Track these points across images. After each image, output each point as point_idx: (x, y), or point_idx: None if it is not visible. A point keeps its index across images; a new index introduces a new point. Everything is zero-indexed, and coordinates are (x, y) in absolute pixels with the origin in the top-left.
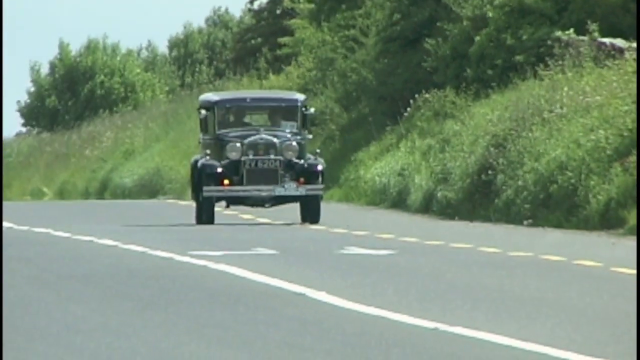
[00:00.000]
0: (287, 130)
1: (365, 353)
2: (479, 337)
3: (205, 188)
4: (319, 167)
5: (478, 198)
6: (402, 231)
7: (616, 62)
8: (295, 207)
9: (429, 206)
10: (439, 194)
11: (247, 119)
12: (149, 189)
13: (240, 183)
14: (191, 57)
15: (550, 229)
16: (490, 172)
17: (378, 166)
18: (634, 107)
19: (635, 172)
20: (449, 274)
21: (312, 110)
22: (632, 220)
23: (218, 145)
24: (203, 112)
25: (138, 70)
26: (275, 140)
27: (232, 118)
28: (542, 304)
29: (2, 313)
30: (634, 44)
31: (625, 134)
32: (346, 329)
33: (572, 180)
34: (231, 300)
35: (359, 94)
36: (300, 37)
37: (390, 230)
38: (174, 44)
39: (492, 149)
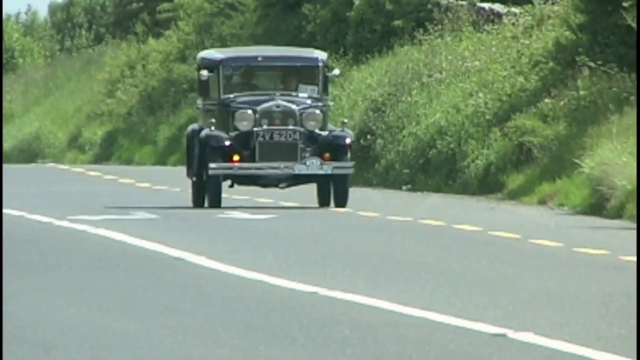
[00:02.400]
0: (306, 95)
1: (244, 317)
2: (358, 301)
3: (211, 165)
4: (347, 140)
5: (357, 163)
6: (282, 196)
7: (495, 27)
8: (311, 187)
9: None
10: None
11: (256, 82)
12: (28, 153)
13: (252, 159)
14: (72, 21)
15: (430, 194)
16: (369, 136)
17: None
18: (512, 71)
19: (514, 138)
20: (328, 238)
21: (336, 71)
22: (511, 184)
23: (223, 113)
24: (204, 72)
25: (17, 35)
26: (294, 107)
27: (239, 80)
28: (421, 268)
29: None
30: (513, 9)
31: (504, 98)
32: (226, 293)
33: (451, 145)
34: (111, 265)
35: None
36: (179, 1)
37: (271, 195)
38: (55, 9)
39: (371, 113)
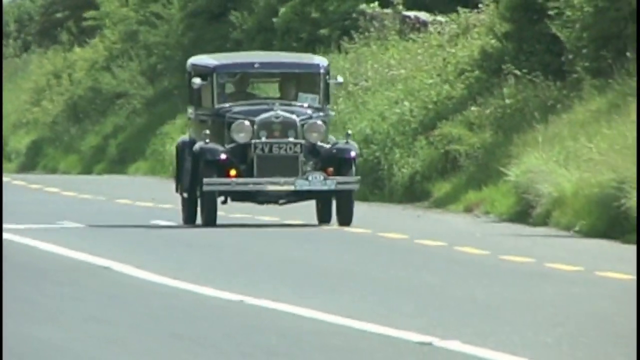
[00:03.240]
0: (306, 105)
1: (171, 326)
2: (284, 310)
3: (206, 180)
4: (353, 153)
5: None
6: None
7: (421, 35)
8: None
9: None
10: None
11: (253, 90)
12: None
13: (250, 173)
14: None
15: (356, 202)
16: None
17: None
18: (438, 80)
19: (440, 146)
20: (255, 247)
21: (339, 78)
22: (437, 192)
23: (218, 124)
24: (197, 80)
25: None
26: (294, 117)
27: (235, 88)
28: (347, 276)
29: None
30: (439, 17)
31: (430, 106)
32: (152, 302)
33: (377, 154)
34: (36, 274)
35: (164, 67)
36: (105, 10)
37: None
38: None
39: None
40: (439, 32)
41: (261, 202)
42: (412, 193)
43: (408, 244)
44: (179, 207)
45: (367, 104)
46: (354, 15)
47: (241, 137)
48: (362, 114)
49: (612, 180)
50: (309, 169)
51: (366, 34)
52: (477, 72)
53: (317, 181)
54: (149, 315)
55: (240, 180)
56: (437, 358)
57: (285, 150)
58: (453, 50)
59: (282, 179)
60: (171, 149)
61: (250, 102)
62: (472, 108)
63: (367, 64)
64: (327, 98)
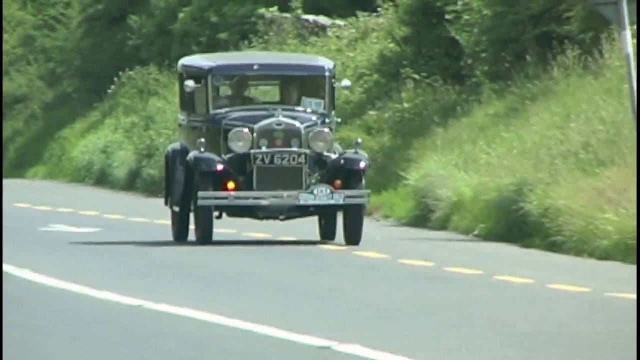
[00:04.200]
0: (310, 110)
1: (69, 330)
2: (184, 314)
3: (201, 193)
4: (362, 164)
5: None
6: (107, 208)
7: (320, 39)
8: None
9: (133, 183)
10: (143, 171)
11: (251, 94)
12: None
13: (249, 186)
14: None
15: None
16: None
17: (82, 143)
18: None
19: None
20: (153, 251)
21: (346, 82)
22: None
23: (213, 132)
24: (189, 83)
25: None
26: (298, 124)
27: (232, 92)
28: (247, 280)
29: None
30: (337, 21)
31: None
32: (50, 306)
33: None
34: None
35: (63, 71)
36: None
37: (95, 207)
38: None
39: None
40: (337, 36)
41: (261, 218)
42: None
43: (308, 248)
44: (169, 221)
45: None
46: (253, 19)
47: (239, 146)
48: None
49: (510, 184)
50: (314, 181)
51: (265, 37)
52: (375, 76)
53: (323, 195)
54: (47, 319)
55: (239, 193)
56: None
57: (288, 160)
58: (352, 55)
59: (285, 193)
60: (70, 153)
61: (248, 107)
62: (371, 112)
63: None
64: (332, 103)
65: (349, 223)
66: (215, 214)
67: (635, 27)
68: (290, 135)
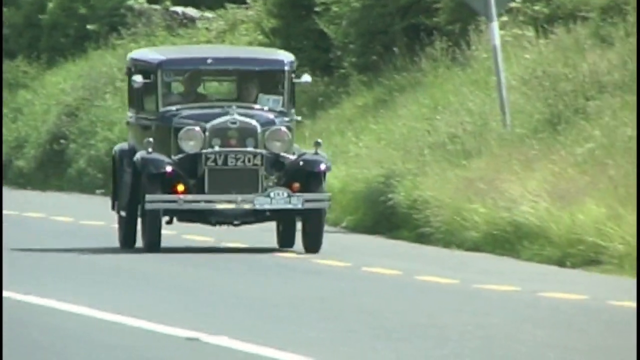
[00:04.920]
0: (267, 108)
1: None
2: (48, 305)
3: (148, 197)
4: (322, 166)
5: (51, 167)
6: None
7: (189, 31)
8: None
9: (3, 175)
10: (12, 163)
11: (205, 90)
12: None
13: (200, 189)
14: None
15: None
16: (62, 141)
17: None
18: None
19: None
20: (22, 243)
21: (306, 77)
22: None
23: (163, 130)
24: (138, 78)
25: None
26: (254, 123)
27: (183, 88)
28: (114, 271)
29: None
30: (207, 13)
31: None
32: None
33: None
34: None
35: None
36: None
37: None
38: None
39: (64, 117)
40: (207, 28)
41: (213, 223)
42: None
43: (175, 241)
44: (116, 225)
45: None
46: (122, 10)
47: (190, 146)
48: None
49: (378, 176)
50: (270, 184)
51: (134, 30)
52: None
53: (281, 198)
54: None
55: (189, 197)
56: (205, 353)
57: (243, 161)
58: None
59: (239, 196)
60: None
61: (201, 104)
62: None
63: None
64: (292, 100)
65: (308, 229)
66: (166, 219)
67: (503, 18)
68: (246, 134)
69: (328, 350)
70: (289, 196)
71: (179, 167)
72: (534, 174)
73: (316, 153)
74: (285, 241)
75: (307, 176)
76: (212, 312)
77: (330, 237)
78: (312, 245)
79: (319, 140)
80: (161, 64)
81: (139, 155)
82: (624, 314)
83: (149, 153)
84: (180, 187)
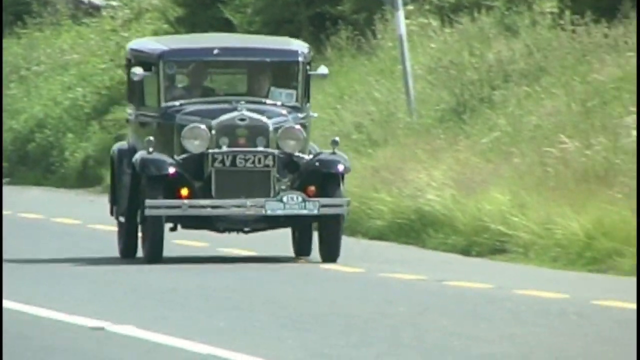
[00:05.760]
0: (280, 103)
1: None
2: None
3: (149, 202)
4: (341, 167)
5: None
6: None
7: (94, 20)
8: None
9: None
10: None
11: (211, 84)
12: None
13: (207, 193)
14: None
15: (29, 187)
16: None
17: None
18: (111, 65)
19: (113, 131)
20: None
21: (323, 69)
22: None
23: (165, 128)
24: (138, 70)
25: None
26: (265, 120)
27: (188, 81)
28: (19, 262)
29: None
30: (112, 2)
31: (104, 92)
32: None
33: (50, 139)
34: None
35: None
36: None
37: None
38: None
39: None
40: (112, 17)
41: (221, 230)
42: (85, 178)
43: (81, 229)
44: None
45: (41, 88)
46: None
47: (195, 146)
48: (34, 99)
49: None
50: (284, 187)
51: (39, 19)
52: None
53: (295, 203)
54: None
55: (194, 202)
56: (111, 343)
57: (253, 162)
58: (126, 35)
59: (249, 201)
60: None
61: (207, 99)
62: None
63: (40, 49)
64: (307, 94)
65: (325, 236)
66: (170, 225)
67: (409, 7)
68: (256, 132)
69: (235, 340)
70: (303, 201)
71: (183, 169)
72: (439, 163)
73: (333, 153)
74: (301, 249)
75: (323, 178)
76: (117, 301)
77: None
78: (330, 254)
79: (337, 139)
80: (163, 55)
81: (138, 155)
82: (529, 303)
83: (149, 153)
84: (185, 191)
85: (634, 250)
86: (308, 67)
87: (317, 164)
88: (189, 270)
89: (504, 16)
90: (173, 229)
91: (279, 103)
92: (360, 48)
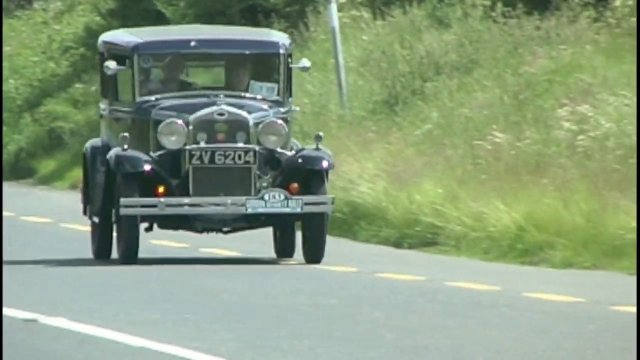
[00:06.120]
0: (260, 97)
1: None
2: None
3: (124, 200)
4: (324, 164)
5: None
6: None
7: (26, 12)
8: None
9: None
10: None
11: (188, 77)
12: None
13: (184, 191)
14: None
15: None
16: None
17: None
18: (43, 57)
19: (45, 123)
20: None
21: (305, 62)
22: (43, 169)
23: (141, 123)
24: (111, 64)
25: None
26: (245, 114)
27: (164, 75)
28: None
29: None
30: None
31: (35, 84)
32: None
33: None
34: None
35: None
36: None
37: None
38: None
39: None
40: (44, 9)
41: (200, 230)
42: (18, 170)
43: (15, 222)
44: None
45: None
46: None
47: (172, 142)
48: None
49: None
50: (265, 184)
51: None
52: (82, 50)
53: (277, 201)
54: None
55: (171, 200)
56: (43, 335)
57: (233, 159)
58: (58, 27)
59: (229, 199)
60: None
61: (184, 93)
62: (77, 85)
63: None
64: (289, 88)
65: (309, 236)
66: (145, 225)
67: (341, 0)
68: (236, 127)
69: (167, 331)
70: (286, 198)
71: (159, 166)
72: (371, 155)
73: (317, 148)
74: (284, 250)
75: (306, 175)
76: (49, 293)
77: None
78: (314, 254)
79: (320, 134)
80: (137, 48)
81: (112, 152)
82: (461, 295)
83: (124, 150)
84: (161, 189)
85: (565, 242)
86: (289, 60)
87: (300, 160)
88: (116, 262)
89: (436, 8)
90: (148, 229)
91: (259, 97)
92: (293, 41)
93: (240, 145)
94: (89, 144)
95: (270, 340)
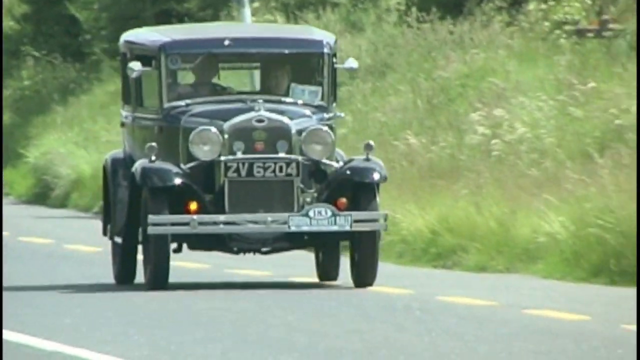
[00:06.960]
0: (301, 102)
1: None
2: None
3: (152, 218)
4: (376, 176)
5: None
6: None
7: None
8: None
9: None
10: None
11: (222, 80)
12: None
13: (219, 207)
14: None
15: None
16: None
17: None
18: None
19: None
20: None
21: (352, 62)
22: None
23: (169, 132)
24: (136, 65)
25: None
26: (286, 121)
27: (195, 77)
28: None
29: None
30: None
31: None
32: None
33: None
34: None
35: None
36: None
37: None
38: None
39: None
40: None
41: (236, 251)
42: None
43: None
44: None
45: None
46: None
47: (205, 152)
48: None
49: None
50: (309, 199)
51: None
52: None
53: (323, 218)
54: None
55: (205, 217)
56: None
57: (274, 171)
58: None
59: (269, 216)
60: None
61: (218, 98)
62: None
63: None
64: (334, 92)
65: (359, 256)
66: (174, 246)
67: (255, 4)
68: (276, 135)
69: (80, 336)
70: (333, 215)
71: (191, 179)
72: None
73: (367, 159)
74: (327, 272)
75: (356, 189)
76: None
77: (82, 223)
78: (365, 277)
79: (371, 143)
80: (165, 47)
81: (138, 164)
82: (375, 299)
83: (151, 162)
84: (193, 205)
85: (478, 245)
86: (334, 60)
87: (348, 172)
88: (36, 270)
89: (350, 13)
90: (177, 250)
91: (301, 102)
92: None
93: (282, 155)
94: (109, 155)
95: (183, 345)
